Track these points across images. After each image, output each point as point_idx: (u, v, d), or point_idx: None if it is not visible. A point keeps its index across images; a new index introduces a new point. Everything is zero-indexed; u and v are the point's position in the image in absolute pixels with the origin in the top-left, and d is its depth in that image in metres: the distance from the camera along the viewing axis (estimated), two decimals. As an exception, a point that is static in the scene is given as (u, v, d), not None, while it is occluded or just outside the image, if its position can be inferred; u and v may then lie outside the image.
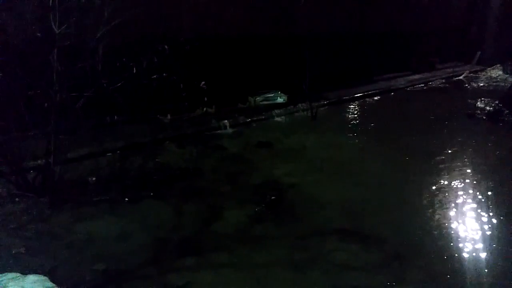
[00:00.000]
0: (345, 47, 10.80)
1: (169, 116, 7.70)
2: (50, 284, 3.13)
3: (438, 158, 5.99)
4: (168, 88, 6.77)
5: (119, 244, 3.90)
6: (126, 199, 4.74)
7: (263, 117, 8.16)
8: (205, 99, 8.11)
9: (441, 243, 3.89)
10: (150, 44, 6.04)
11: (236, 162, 5.93)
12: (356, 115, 8.57)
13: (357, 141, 6.91)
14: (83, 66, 4.80)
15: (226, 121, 7.61)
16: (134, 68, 5.83)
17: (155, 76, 6.28)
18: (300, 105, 8.80)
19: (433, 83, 11.72)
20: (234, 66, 8.69)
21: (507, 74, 12.02)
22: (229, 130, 7.42)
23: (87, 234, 4.03)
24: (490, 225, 4.18)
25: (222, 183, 5.24)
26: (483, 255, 3.70)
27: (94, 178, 5.20)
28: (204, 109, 8.18)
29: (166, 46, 6.23)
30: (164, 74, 6.43)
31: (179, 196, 4.87)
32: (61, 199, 4.61)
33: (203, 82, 7.84)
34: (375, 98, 10.00)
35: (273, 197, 4.77)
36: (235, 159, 6.09)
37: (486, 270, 3.49)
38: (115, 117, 7.10)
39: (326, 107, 9.04)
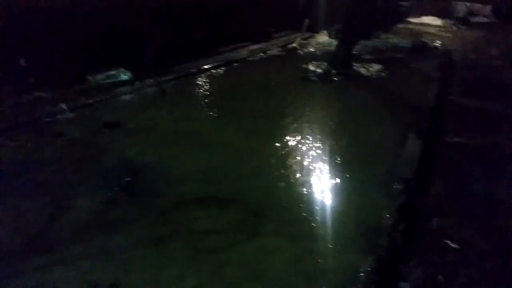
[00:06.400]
0: (187, 19, 10.69)
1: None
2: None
3: (283, 121, 6.51)
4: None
5: None
6: None
7: (107, 96, 7.59)
8: (32, 80, 7.16)
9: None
10: None
11: (81, 148, 5.43)
12: (205, 87, 8.67)
13: (209, 112, 7.04)
14: None
15: (63, 104, 6.83)
16: None
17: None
18: (147, 81, 8.45)
19: (271, 51, 12.54)
20: (66, 42, 7.82)
21: (332, 38, 13.58)
22: (69, 114, 6.69)
23: None
24: (332, 177, 4.82)
25: (67, 173, 4.77)
26: (327, 201, 4.27)
27: None
28: (35, 93, 7.20)
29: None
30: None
31: (17, 196, 4.26)
32: None
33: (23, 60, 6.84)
34: (221, 69, 10.25)
35: (127, 179, 4.55)
36: (79, 144, 5.56)
37: (321, 201, 4.04)
38: None
39: (174, 81, 8.88)
